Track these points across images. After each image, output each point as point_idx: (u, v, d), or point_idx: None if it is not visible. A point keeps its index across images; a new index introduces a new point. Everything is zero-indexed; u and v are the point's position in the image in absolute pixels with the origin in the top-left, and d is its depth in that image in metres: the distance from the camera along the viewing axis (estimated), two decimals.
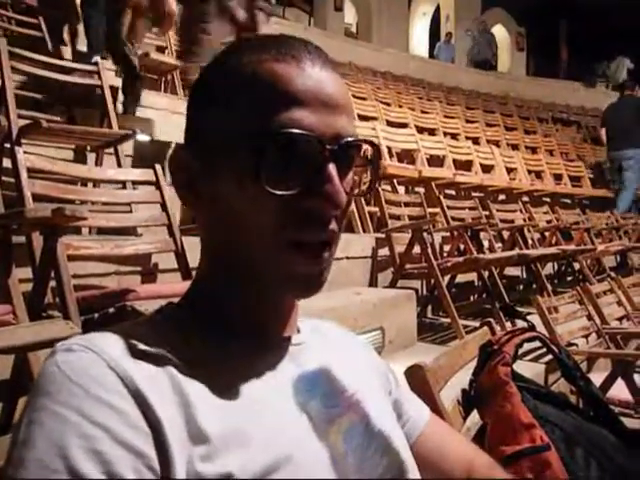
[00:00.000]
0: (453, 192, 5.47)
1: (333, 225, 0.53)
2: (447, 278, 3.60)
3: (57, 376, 0.44)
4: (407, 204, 4.26)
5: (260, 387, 0.51)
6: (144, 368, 0.46)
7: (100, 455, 0.41)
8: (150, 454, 0.43)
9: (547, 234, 5.19)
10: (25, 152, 2.26)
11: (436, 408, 0.92)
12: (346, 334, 0.72)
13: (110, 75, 4.74)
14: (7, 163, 2.43)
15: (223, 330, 0.54)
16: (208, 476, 0.43)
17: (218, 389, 0.49)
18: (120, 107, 3.90)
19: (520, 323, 1.36)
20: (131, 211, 2.66)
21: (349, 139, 0.53)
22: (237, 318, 0.56)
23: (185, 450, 0.44)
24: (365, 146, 0.57)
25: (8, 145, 2.49)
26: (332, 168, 0.51)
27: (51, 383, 0.44)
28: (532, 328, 1.27)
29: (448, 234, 4.18)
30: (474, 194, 5.39)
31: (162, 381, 0.46)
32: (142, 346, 0.49)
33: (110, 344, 0.48)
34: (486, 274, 3.65)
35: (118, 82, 4.97)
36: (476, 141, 7.02)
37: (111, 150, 3.10)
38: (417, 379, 0.95)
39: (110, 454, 0.41)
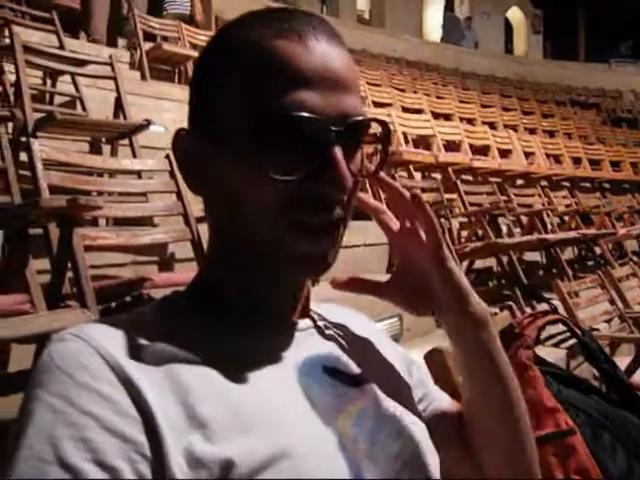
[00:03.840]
0: (470, 177, 5.41)
1: (338, 210, 0.51)
2: (465, 264, 3.57)
3: (49, 366, 0.44)
4: (424, 190, 4.21)
5: (263, 373, 0.50)
6: (135, 355, 0.46)
7: (89, 443, 0.41)
8: (141, 441, 0.42)
9: (567, 218, 5.12)
10: (41, 145, 2.27)
11: (455, 392, 0.90)
12: (361, 320, 0.70)
13: (123, 67, 4.76)
14: (25, 157, 2.45)
15: (226, 315, 0.53)
16: (208, 461, 0.42)
17: (218, 374, 0.47)
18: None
19: (541, 308, 1.34)
20: (147, 201, 2.67)
21: (356, 118, 0.50)
22: (242, 303, 0.54)
23: (182, 436, 0.43)
24: (374, 125, 0.54)
25: (24, 139, 2.51)
26: (338, 151, 0.49)
27: (43, 373, 0.44)
28: (554, 310, 1.25)
29: (466, 220, 4.14)
30: (492, 179, 5.32)
31: (155, 368, 0.45)
32: (137, 334, 0.48)
33: (102, 332, 0.47)
34: (505, 259, 3.61)
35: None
36: (493, 126, 6.93)
37: (126, 142, 3.11)
38: (436, 363, 0.93)
39: (99, 442, 0.41)
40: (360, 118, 0.51)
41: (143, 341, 0.47)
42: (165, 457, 0.42)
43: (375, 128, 0.55)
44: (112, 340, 0.46)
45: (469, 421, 0.64)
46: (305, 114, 0.47)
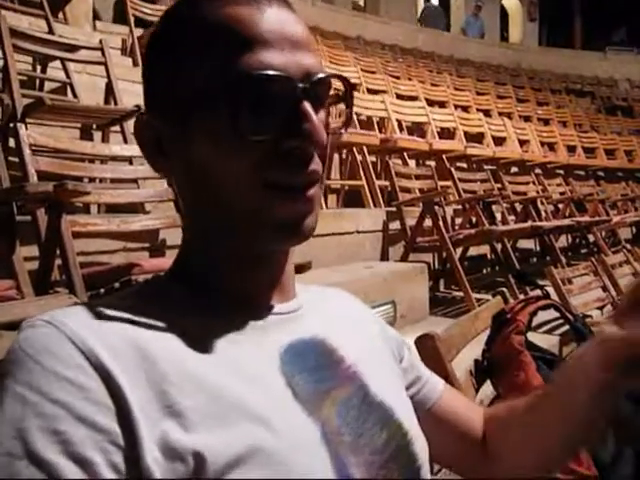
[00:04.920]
0: (464, 165, 5.39)
1: (314, 165, 0.50)
2: (459, 251, 3.56)
3: (18, 354, 0.42)
4: (418, 177, 4.20)
5: (243, 359, 0.48)
6: (109, 341, 0.44)
7: (60, 435, 0.39)
8: (114, 430, 0.40)
9: (561, 206, 5.13)
10: (29, 130, 2.24)
11: (447, 377, 0.89)
12: (354, 303, 0.68)
13: (115, 53, 4.69)
14: (14, 144, 2.42)
15: (206, 299, 0.51)
16: (183, 451, 0.41)
17: (197, 361, 0.46)
18: None
19: (534, 294, 1.33)
20: (138, 187, 2.64)
21: (320, 76, 0.51)
22: (222, 284, 0.53)
23: (156, 424, 0.41)
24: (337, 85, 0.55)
25: (13, 125, 2.48)
26: (307, 106, 0.49)
27: (12, 362, 0.42)
28: (547, 296, 1.24)
29: (460, 207, 4.13)
30: (486, 167, 5.31)
31: (130, 354, 0.44)
32: (114, 318, 0.46)
33: (74, 318, 0.45)
34: (499, 247, 3.60)
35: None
36: (487, 113, 6.91)
37: (118, 128, 3.08)
38: (428, 348, 0.92)
39: (70, 433, 0.39)
40: (323, 75, 0.51)
41: (120, 326, 0.45)
42: (139, 447, 0.40)
43: (337, 88, 0.55)
44: (85, 325, 0.44)
45: (522, 424, 0.64)
46: (273, 72, 0.48)
